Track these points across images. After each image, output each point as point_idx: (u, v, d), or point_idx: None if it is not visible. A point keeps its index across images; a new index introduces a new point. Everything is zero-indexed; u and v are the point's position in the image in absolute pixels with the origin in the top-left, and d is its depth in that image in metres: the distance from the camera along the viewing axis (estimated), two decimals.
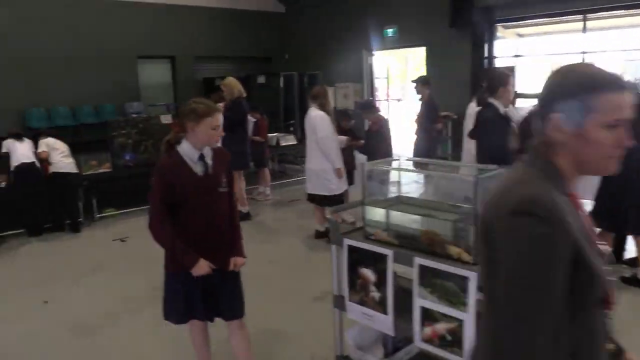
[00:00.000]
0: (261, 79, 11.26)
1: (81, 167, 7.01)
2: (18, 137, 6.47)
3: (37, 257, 5.87)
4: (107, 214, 7.36)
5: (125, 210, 7.52)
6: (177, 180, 2.59)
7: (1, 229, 6.59)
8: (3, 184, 6.52)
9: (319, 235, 5.91)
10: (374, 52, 12.89)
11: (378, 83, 13.32)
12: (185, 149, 2.64)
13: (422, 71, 11.50)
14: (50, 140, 6.70)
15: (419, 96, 7.17)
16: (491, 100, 4.30)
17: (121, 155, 7.62)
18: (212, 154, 2.72)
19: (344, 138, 5.85)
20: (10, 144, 6.39)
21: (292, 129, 10.74)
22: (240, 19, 13.52)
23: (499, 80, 4.31)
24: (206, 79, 12.90)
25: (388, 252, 2.54)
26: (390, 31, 11.99)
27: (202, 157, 2.66)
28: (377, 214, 2.76)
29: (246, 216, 6.62)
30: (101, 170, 7.40)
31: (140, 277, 5.04)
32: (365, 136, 6.03)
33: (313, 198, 5.74)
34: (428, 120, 6.99)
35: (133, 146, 7.72)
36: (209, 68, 13.33)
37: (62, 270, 5.35)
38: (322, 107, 5.44)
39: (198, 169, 2.65)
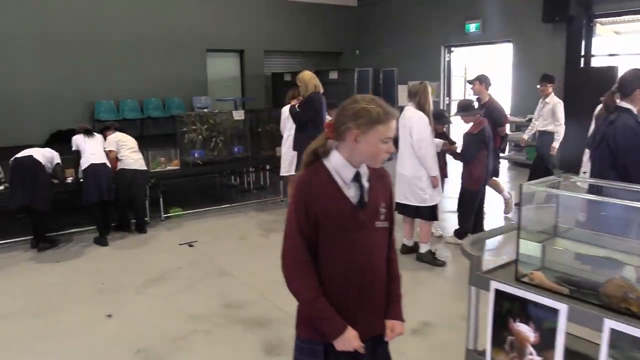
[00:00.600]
0: (333, 75, 10.69)
1: (149, 164, 6.63)
2: (88, 133, 6.11)
3: (102, 259, 5.50)
4: (173, 214, 6.98)
5: (192, 211, 7.14)
6: (319, 205, 1.83)
7: (67, 226, 6.33)
8: (70, 179, 6.24)
9: (406, 250, 5.24)
10: (453, 49, 12.09)
11: (455, 82, 12.51)
12: (337, 163, 1.87)
13: (505, 70, 10.65)
14: (119, 135, 6.35)
15: (476, 97, 6.44)
16: (623, 103, 3.53)
17: (189, 152, 7.20)
18: (369, 174, 1.93)
19: (439, 141, 5.15)
20: (80, 141, 6.03)
21: None
22: (311, 12, 13.10)
23: (636, 80, 3.52)
24: (275, 74, 12.53)
25: (561, 306, 1.87)
26: (472, 26, 11.21)
27: (357, 177, 1.88)
28: (533, 249, 2.10)
29: None
30: (169, 168, 7.02)
31: (211, 290, 4.56)
32: (464, 141, 5.28)
33: (402, 208, 5.06)
34: (493, 125, 6.17)
35: (203, 143, 7.27)
36: (278, 62, 12.98)
37: (127, 277, 4.94)
38: (421, 106, 4.75)
39: (351, 193, 1.87)
